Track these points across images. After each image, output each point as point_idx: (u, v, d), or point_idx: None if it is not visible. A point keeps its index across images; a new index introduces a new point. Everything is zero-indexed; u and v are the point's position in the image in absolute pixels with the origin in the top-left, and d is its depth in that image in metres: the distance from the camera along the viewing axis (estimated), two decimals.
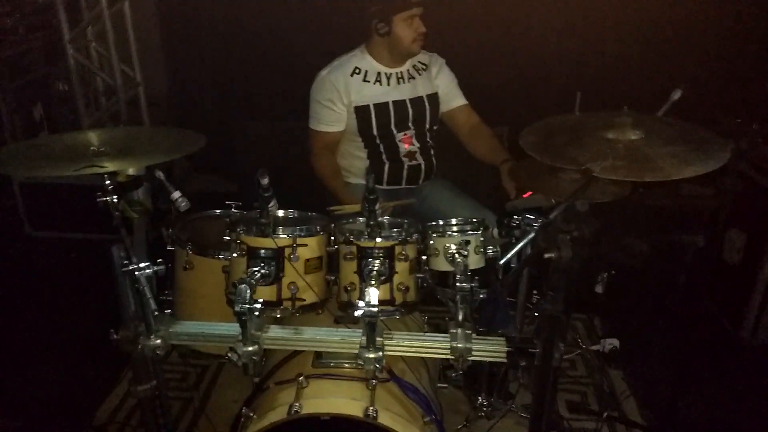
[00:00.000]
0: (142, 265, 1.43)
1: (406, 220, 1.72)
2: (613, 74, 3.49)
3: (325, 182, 2.43)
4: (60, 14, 3.79)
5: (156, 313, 1.49)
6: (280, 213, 1.71)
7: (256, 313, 1.42)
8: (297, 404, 1.45)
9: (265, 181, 1.47)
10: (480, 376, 2.15)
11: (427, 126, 2.50)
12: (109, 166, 1.43)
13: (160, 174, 1.69)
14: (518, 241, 1.51)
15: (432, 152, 2.54)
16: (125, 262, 1.43)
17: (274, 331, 1.54)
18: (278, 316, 1.61)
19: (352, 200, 2.31)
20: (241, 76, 3.91)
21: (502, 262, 1.36)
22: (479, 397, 2.15)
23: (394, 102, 2.42)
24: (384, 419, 1.44)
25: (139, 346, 1.48)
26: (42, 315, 2.92)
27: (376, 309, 1.42)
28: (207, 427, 2.12)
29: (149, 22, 4.13)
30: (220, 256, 1.88)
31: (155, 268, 1.45)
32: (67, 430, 2.25)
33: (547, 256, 1.08)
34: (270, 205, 1.53)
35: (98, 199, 1.53)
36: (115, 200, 1.51)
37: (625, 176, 1.37)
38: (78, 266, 3.35)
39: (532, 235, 1.25)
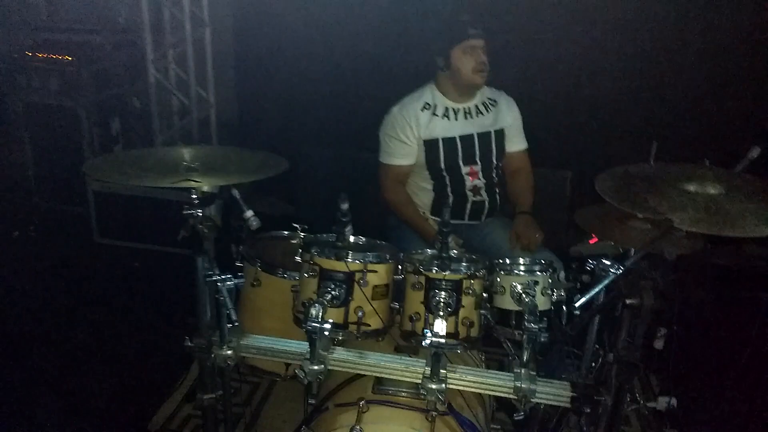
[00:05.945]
0: (224, 276, 1.49)
1: (474, 255, 1.74)
2: (688, 126, 3.45)
3: (400, 212, 2.50)
4: (146, 35, 4.03)
5: (229, 325, 1.54)
6: (351, 239, 1.76)
7: (326, 333, 1.46)
8: (358, 427, 1.46)
9: (345, 206, 1.53)
10: (531, 423, 2.12)
11: (494, 161, 2.54)
12: (202, 182, 1.51)
13: (236, 192, 1.77)
14: (589, 285, 1.51)
15: (497, 190, 2.57)
16: (209, 272, 1.49)
17: (340, 353, 1.57)
18: (341, 338, 1.64)
19: (429, 228, 2.37)
20: (308, 104, 4.05)
21: (578, 304, 1.37)
22: None
23: (461, 137, 2.48)
24: None
25: (212, 355, 1.53)
26: (103, 320, 3.02)
27: (443, 340, 1.44)
28: None
29: (226, 49, 4.35)
30: (285, 276, 1.94)
31: (236, 281, 1.51)
32: None
33: (629, 302, 1.08)
34: (346, 229, 1.58)
35: (184, 212, 1.62)
36: (200, 214, 1.59)
37: (705, 230, 1.36)
38: (141, 275, 3.48)
39: (609, 279, 1.26)
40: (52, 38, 4.27)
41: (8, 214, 4.08)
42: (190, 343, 1.55)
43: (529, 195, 2.59)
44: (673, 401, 2.41)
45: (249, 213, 1.79)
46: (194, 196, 1.60)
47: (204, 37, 4.23)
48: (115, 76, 4.31)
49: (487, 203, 2.53)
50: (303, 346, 1.50)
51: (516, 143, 2.63)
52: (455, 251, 1.79)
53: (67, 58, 4.03)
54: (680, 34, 3.44)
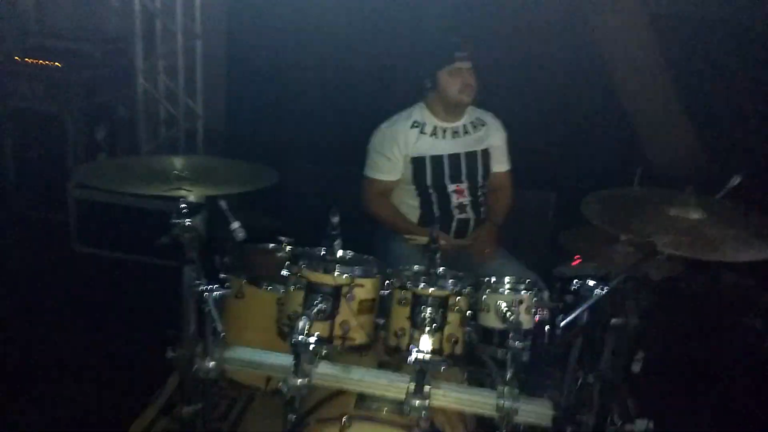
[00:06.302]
0: (211, 287, 1.48)
1: (461, 273, 1.75)
2: (671, 152, 3.51)
3: (388, 222, 2.55)
4: (136, 45, 4.02)
5: (213, 336, 1.53)
6: (339, 252, 1.76)
7: (312, 346, 1.46)
8: None
9: (336, 219, 1.53)
10: None
11: (480, 180, 2.58)
12: (192, 191, 1.51)
13: (223, 203, 1.77)
14: (572, 305, 1.53)
15: (482, 208, 2.60)
16: (196, 282, 1.48)
17: (324, 368, 1.57)
18: (325, 352, 1.64)
19: (420, 231, 2.42)
20: (297, 120, 4.08)
21: (563, 323, 1.38)
22: None
23: (449, 155, 2.52)
24: None
25: (194, 367, 1.51)
26: (80, 330, 2.95)
27: (428, 356, 1.45)
28: None
29: (216, 61, 4.35)
30: (270, 288, 1.93)
31: (222, 291, 1.51)
32: None
33: (614, 321, 1.10)
34: (335, 243, 1.58)
35: (172, 221, 1.61)
36: (188, 223, 1.58)
37: (688, 254, 1.39)
38: (120, 285, 3.42)
39: (593, 299, 1.28)
40: (41, 44, 4.25)
41: None
42: (172, 354, 1.53)
43: (503, 211, 2.68)
44: (650, 424, 2.44)
45: (235, 224, 1.78)
46: (182, 206, 1.59)
47: (195, 48, 4.23)
48: (104, 84, 4.28)
49: (472, 221, 2.56)
50: (287, 360, 1.49)
51: (500, 164, 2.68)
52: (443, 269, 1.79)
53: (55, 65, 4.00)
54: (665, 61, 3.53)
